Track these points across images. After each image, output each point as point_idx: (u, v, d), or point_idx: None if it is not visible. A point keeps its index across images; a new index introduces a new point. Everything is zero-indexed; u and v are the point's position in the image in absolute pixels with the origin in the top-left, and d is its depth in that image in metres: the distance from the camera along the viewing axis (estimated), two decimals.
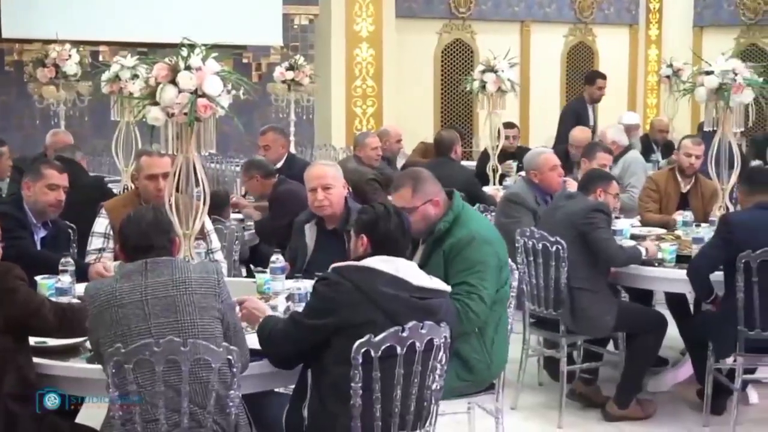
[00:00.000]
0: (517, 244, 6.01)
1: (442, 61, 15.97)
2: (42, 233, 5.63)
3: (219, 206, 6.77)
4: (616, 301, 6.12)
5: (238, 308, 4.16)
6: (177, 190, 4.82)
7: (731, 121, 6.62)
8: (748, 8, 16.41)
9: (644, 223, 7.26)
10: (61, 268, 4.94)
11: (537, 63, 16.36)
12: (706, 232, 6.20)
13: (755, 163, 9.60)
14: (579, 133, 9.32)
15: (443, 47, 15.97)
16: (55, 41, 10.29)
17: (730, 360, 5.70)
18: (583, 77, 12.73)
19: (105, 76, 8.92)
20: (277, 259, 5.13)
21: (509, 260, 4.86)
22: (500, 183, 9.70)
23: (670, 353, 6.81)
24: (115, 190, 8.35)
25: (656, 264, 6.03)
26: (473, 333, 4.60)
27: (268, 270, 5.11)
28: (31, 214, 5.57)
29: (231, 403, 3.62)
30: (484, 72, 9.55)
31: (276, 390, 4.36)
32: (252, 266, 6.67)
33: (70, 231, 5.95)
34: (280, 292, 4.90)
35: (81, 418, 4.30)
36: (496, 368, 4.76)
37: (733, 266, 5.41)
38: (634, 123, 11.67)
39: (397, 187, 4.83)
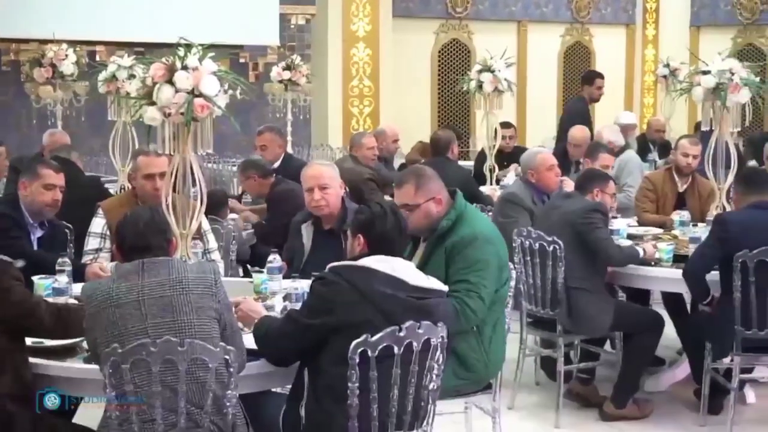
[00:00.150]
0: (514, 244, 6.01)
1: (439, 61, 15.99)
2: (38, 233, 5.62)
3: (216, 206, 6.77)
4: (613, 300, 6.12)
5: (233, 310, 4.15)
6: (174, 190, 4.81)
7: (728, 120, 6.62)
8: (745, 8, 16.43)
9: (641, 223, 7.27)
10: (58, 268, 4.93)
11: (534, 63, 16.38)
12: (703, 231, 6.20)
13: (752, 162, 9.60)
14: (578, 132, 9.32)
15: (440, 47, 16.00)
16: (52, 41, 10.28)
17: (727, 359, 5.70)
18: (579, 77, 12.74)
19: (102, 75, 8.93)
20: (274, 259, 5.12)
21: None
22: (497, 183, 9.71)
23: (667, 353, 6.81)
24: (111, 190, 8.34)
25: (653, 264, 6.03)
26: (471, 332, 4.61)
27: (265, 270, 5.11)
28: (27, 213, 5.56)
29: (228, 403, 3.62)
30: (481, 72, 9.55)
31: (273, 390, 4.35)
32: (249, 266, 6.68)
33: (66, 231, 5.94)
34: (277, 292, 4.89)
35: (78, 418, 4.31)
36: (494, 367, 4.76)
37: (728, 266, 5.41)
38: (631, 123, 11.67)
39: (400, 184, 4.84)
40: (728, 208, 6.63)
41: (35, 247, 5.56)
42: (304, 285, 4.54)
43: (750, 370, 5.90)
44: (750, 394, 6.24)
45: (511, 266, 4.93)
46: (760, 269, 5.33)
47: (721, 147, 6.69)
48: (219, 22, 13.17)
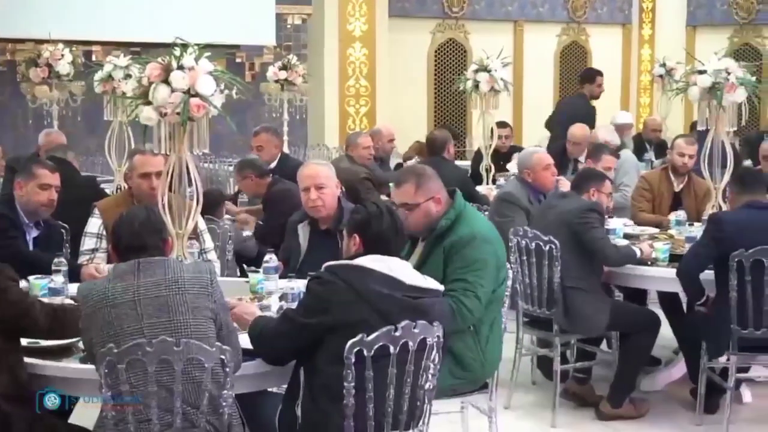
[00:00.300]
0: (510, 244, 6.01)
1: (436, 61, 15.99)
2: (34, 233, 5.62)
3: (212, 205, 6.76)
4: (610, 300, 6.12)
5: None
6: (170, 189, 4.81)
7: (724, 120, 6.61)
8: (741, 8, 16.43)
9: (637, 223, 7.27)
10: (54, 268, 4.93)
11: (530, 63, 16.38)
12: (700, 231, 6.20)
13: (747, 162, 9.61)
14: (577, 130, 9.31)
15: (436, 47, 15.99)
16: (47, 41, 10.29)
17: (723, 359, 5.70)
18: (576, 76, 12.73)
19: (98, 75, 8.94)
20: (270, 259, 5.12)
21: None
22: (493, 183, 9.71)
23: (663, 352, 6.81)
24: (108, 190, 8.35)
25: (650, 263, 6.04)
26: (468, 331, 4.61)
27: (261, 270, 5.10)
28: (23, 213, 5.56)
29: (224, 403, 3.61)
30: (477, 71, 9.56)
31: (269, 389, 4.35)
32: (245, 266, 6.66)
33: (62, 231, 5.94)
34: (273, 291, 4.89)
35: (74, 418, 4.30)
36: (490, 367, 4.76)
37: (723, 265, 5.42)
38: (627, 122, 11.68)
39: (399, 183, 4.84)
40: (724, 208, 6.63)
41: (31, 247, 5.56)
42: (300, 285, 4.53)
43: (746, 370, 5.90)
44: (746, 394, 6.25)
45: (508, 266, 4.93)
46: (756, 268, 5.34)
47: (717, 146, 6.69)
48: (215, 22, 13.19)
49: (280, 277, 5.09)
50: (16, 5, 12.77)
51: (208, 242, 5.78)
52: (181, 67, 4.59)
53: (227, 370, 3.58)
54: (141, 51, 11.95)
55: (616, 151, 8.62)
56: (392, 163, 10.14)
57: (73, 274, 5.09)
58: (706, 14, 16.73)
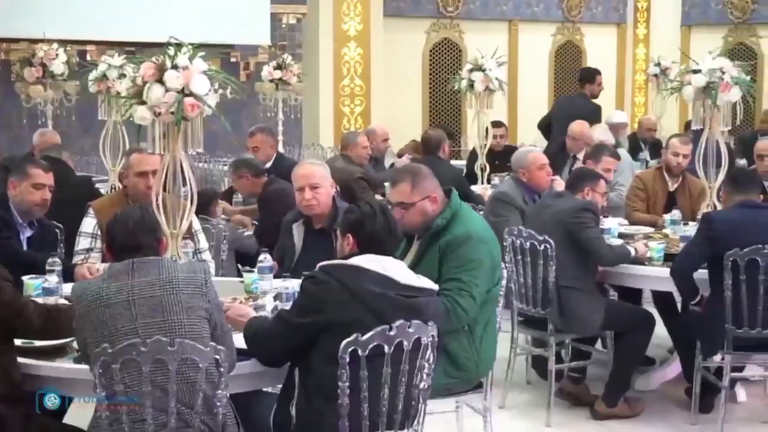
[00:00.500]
0: (505, 243, 6.01)
1: (430, 60, 16.00)
2: (28, 233, 5.61)
3: (206, 205, 6.75)
4: (604, 299, 6.12)
5: None
6: (164, 189, 4.80)
7: (719, 119, 6.62)
8: (736, 7, 16.46)
9: (631, 223, 7.27)
10: (48, 268, 4.92)
11: (525, 62, 16.39)
12: (694, 230, 6.20)
13: (742, 161, 9.62)
14: (577, 127, 9.30)
15: (431, 46, 16.00)
16: (42, 40, 10.27)
17: (717, 358, 5.71)
18: (571, 76, 12.73)
19: (92, 75, 8.93)
20: (265, 259, 5.12)
21: None
22: (488, 182, 9.71)
23: (658, 352, 6.81)
24: (102, 190, 8.33)
25: (645, 263, 6.04)
26: (462, 330, 4.61)
27: (255, 269, 5.10)
28: (16, 213, 5.55)
29: (218, 403, 3.61)
30: (472, 71, 9.56)
31: (264, 389, 4.35)
32: (239, 266, 6.65)
33: (57, 231, 5.93)
34: (268, 291, 4.89)
35: (69, 419, 4.29)
36: (484, 366, 4.76)
37: (717, 264, 5.43)
38: (622, 122, 11.68)
39: (395, 182, 4.84)
40: (719, 207, 6.64)
41: (25, 247, 5.55)
42: (295, 284, 4.53)
43: (741, 369, 5.90)
44: (741, 393, 6.25)
45: (503, 265, 4.93)
46: (751, 268, 5.34)
47: (712, 146, 6.69)
48: (210, 21, 13.16)
49: (275, 277, 5.09)
50: (11, 5, 12.73)
51: (203, 242, 5.78)
52: (175, 67, 4.59)
53: (222, 370, 3.57)
54: (136, 51, 11.94)
55: (616, 152, 8.63)
56: (387, 162, 10.14)
57: (68, 274, 5.08)
58: (701, 13, 16.75)
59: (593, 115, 10.30)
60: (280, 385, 3.99)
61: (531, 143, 10.99)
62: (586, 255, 5.89)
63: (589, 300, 5.89)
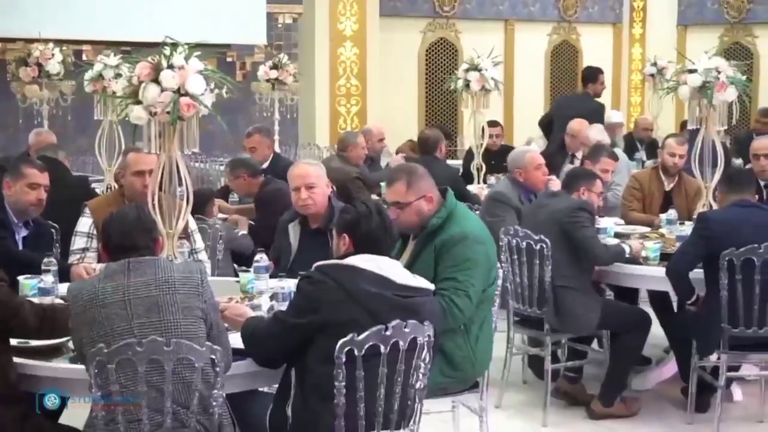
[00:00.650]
0: (501, 243, 6.01)
1: (427, 60, 15.99)
2: (23, 233, 5.60)
3: (202, 205, 6.75)
4: (600, 299, 6.13)
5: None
6: (160, 189, 4.80)
7: (714, 119, 6.62)
8: (732, 7, 16.47)
9: (628, 222, 7.27)
10: (43, 267, 4.91)
11: (521, 62, 16.39)
12: (690, 230, 6.21)
13: (738, 161, 9.63)
14: (576, 125, 9.30)
15: (427, 46, 15.99)
16: (38, 40, 10.27)
17: (714, 357, 5.71)
18: (569, 75, 12.74)
19: (88, 75, 8.92)
20: (261, 258, 5.12)
21: None
22: (484, 182, 9.71)
23: (654, 351, 6.81)
24: (98, 190, 8.32)
25: (641, 262, 6.04)
26: (458, 330, 4.61)
27: (251, 269, 5.10)
28: (12, 213, 5.54)
29: (214, 403, 3.61)
30: (468, 71, 9.56)
31: (260, 389, 4.35)
32: (236, 265, 6.64)
33: (52, 231, 5.92)
34: (264, 291, 4.88)
35: (64, 418, 4.29)
36: (480, 366, 4.76)
37: (712, 264, 5.43)
38: (618, 121, 11.69)
39: (391, 181, 4.83)
40: (715, 207, 6.64)
41: (20, 247, 5.55)
42: (291, 284, 4.53)
43: (737, 368, 5.90)
44: (737, 392, 6.25)
45: (498, 265, 4.93)
46: (746, 267, 5.34)
47: (708, 145, 6.69)
48: (206, 21, 13.15)
49: (271, 277, 5.09)
50: (6, 5, 12.73)
51: (199, 242, 5.78)
52: (171, 67, 4.59)
53: (217, 369, 3.57)
54: (132, 50, 11.92)
55: (614, 153, 8.63)
56: (383, 162, 10.14)
57: (63, 274, 5.07)
58: (697, 13, 16.76)
59: (597, 114, 10.30)
60: (276, 385, 3.99)
61: (524, 142, 10.99)
62: (582, 254, 5.89)
63: (585, 299, 5.90)
